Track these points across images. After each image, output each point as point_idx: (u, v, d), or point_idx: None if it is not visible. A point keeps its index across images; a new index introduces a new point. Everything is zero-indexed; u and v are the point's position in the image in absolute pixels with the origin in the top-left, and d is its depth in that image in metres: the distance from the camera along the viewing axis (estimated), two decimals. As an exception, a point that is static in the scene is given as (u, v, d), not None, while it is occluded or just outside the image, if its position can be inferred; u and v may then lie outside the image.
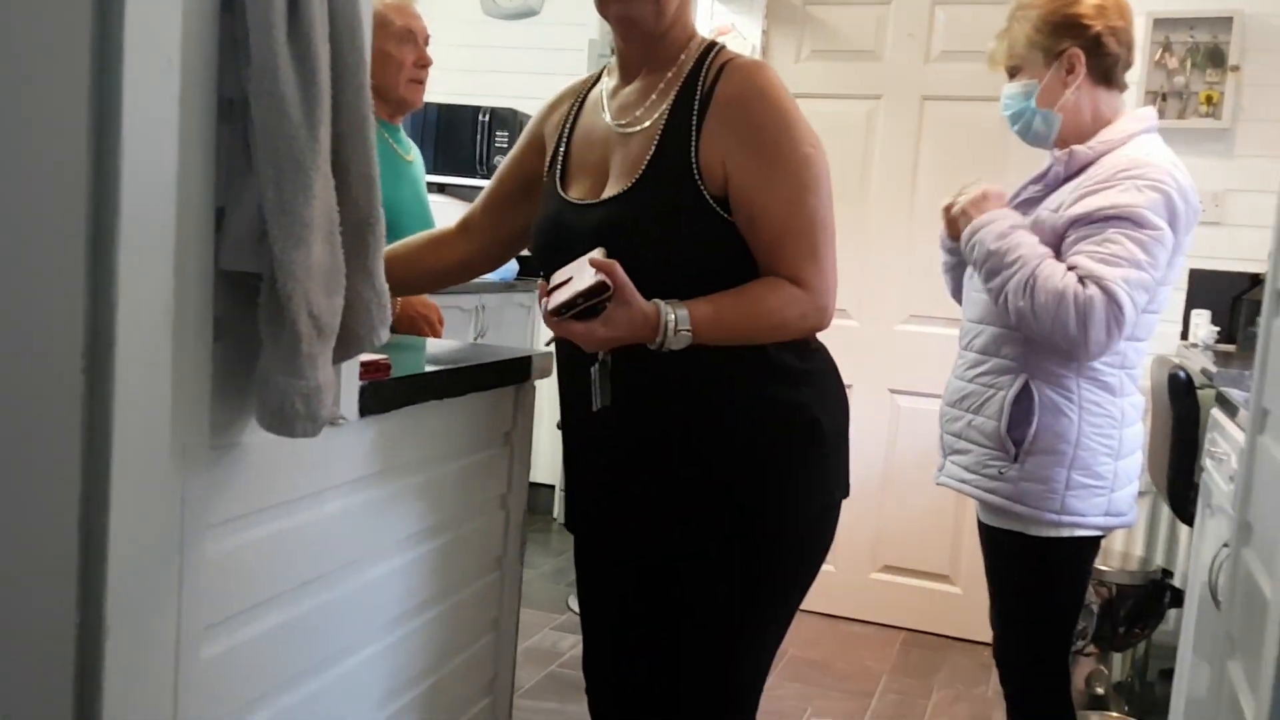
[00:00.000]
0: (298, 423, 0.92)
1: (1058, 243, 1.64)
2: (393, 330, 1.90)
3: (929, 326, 3.20)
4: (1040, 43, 1.70)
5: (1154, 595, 2.62)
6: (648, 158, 1.27)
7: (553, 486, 4.17)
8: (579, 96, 1.44)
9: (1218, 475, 1.96)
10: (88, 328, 0.79)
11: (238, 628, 1.03)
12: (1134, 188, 1.58)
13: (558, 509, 4.20)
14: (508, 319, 3.94)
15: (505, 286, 3.92)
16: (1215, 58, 3.09)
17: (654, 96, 1.32)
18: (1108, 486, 1.69)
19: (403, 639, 1.35)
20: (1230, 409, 1.92)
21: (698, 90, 1.28)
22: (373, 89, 1.98)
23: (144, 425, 0.83)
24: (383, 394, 1.19)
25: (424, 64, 1.99)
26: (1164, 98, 3.14)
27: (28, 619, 0.82)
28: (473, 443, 1.49)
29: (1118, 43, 1.69)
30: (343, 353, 0.99)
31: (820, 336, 1.39)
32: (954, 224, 1.75)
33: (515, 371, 1.54)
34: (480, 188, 4.55)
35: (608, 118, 1.35)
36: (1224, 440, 1.95)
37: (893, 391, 3.31)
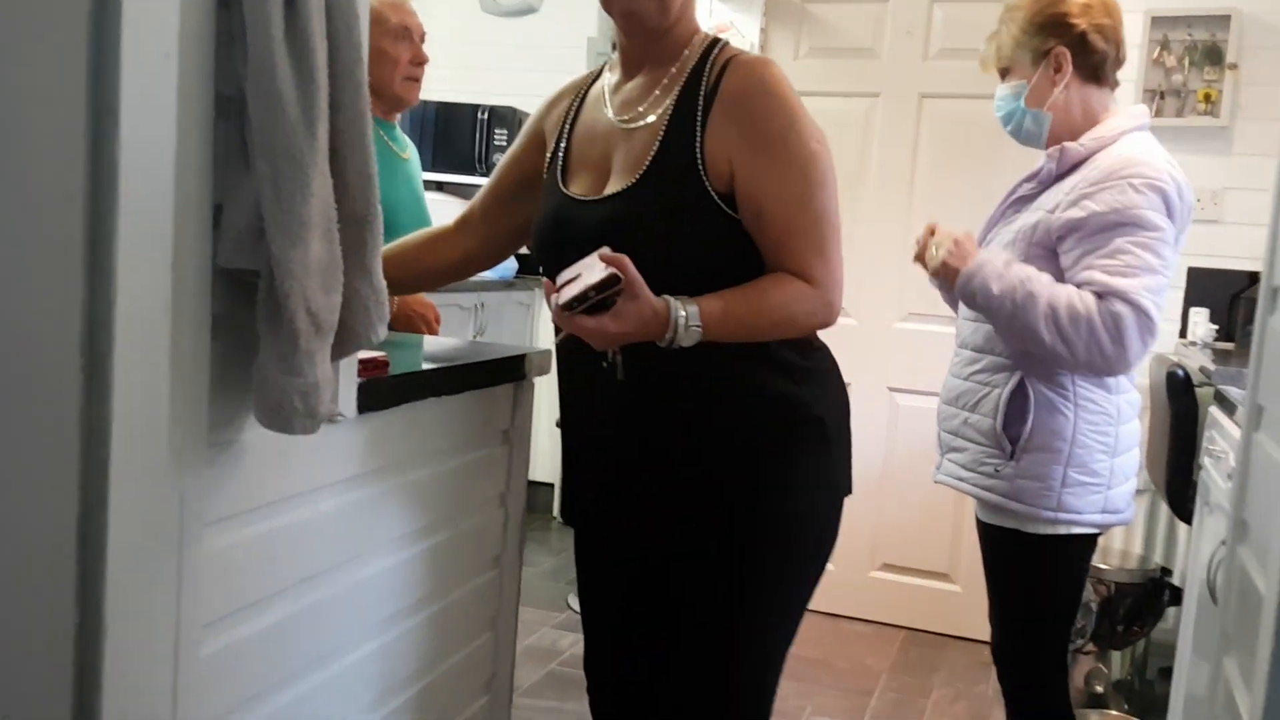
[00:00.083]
0: (296, 420, 0.92)
1: (1053, 244, 1.64)
2: (390, 328, 1.92)
3: (927, 324, 3.20)
4: (1027, 43, 1.71)
5: (1153, 593, 2.62)
6: (652, 153, 1.27)
7: (552, 485, 4.17)
8: (580, 92, 1.43)
9: (1216, 473, 1.96)
10: (86, 325, 0.79)
11: (236, 625, 1.03)
12: (1131, 188, 1.58)
13: (557, 507, 4.20)
14: (507, 317, 3.94)
15: (504, 285, 3.92)
16: (1213, 56, 3.09)
17: (657, 92, 1.31)
18: (1104, 484, 1.69)
19: (401, 636, 1.35)
20: (1228, 407, 1.92)
21: (702, 86, 1.28)
22: (368, 86, 2.00)
23: (142, 423, 0.83)
24: (381, 391, 1.19)
25: (420, 61, 1.99)
26: (1162, 96, 3.14)
27: (27, 617, 0.82)
28: (471, 440, 1.49)
29: (1104, 40, 1.69)
30: (341, 350, 0.99)
31: (819, 334, 1.39)
32: (938, 272, 1.72)
33: (513, 369, 1.54)
34: (479, 186, 4.54)
35: (610, 113, 1.34)
36: (1222, 438, 1.96)
37: (891, 390, 3.31)
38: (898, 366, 3.27)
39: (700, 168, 1.24)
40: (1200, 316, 2.95)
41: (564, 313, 1.16)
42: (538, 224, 1.39)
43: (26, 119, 0.78)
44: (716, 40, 1.34)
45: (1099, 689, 2.70)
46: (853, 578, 3.28)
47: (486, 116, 3.92)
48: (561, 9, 4.09)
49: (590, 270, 1.15)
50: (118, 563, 0.81)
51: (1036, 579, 1.76)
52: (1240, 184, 3.07)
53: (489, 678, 1.64)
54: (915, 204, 3.27)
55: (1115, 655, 2.79)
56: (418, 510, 1.35)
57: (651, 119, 1.29)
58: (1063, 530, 1.70)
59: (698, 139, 1.25)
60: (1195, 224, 3.06)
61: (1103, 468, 1.69)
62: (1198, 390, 2.26)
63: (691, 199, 1.24)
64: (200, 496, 0.93)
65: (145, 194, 0.81)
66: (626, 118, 1.32)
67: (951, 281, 1.67)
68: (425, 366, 1.37)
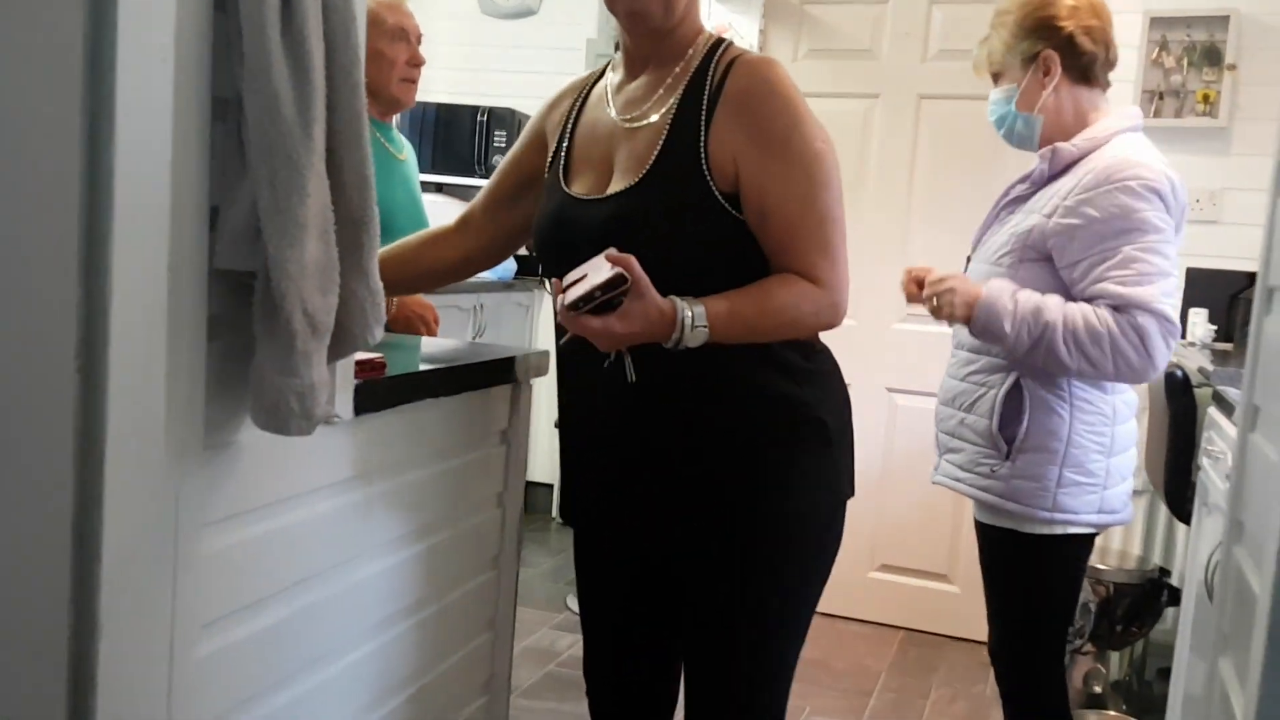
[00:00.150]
0: (292, 421, 0.92)
1: (1047, 250, 1.64)
2: (388, 329, 1.92)
3: (926, 325, 3.19)
4: (1016, 47, 1.72)
5: (1151, 594, 2.62)
6: (655, 153, 1.26)
7: (551, 485, 4.17)
8: (582, 92, 1.42)
9: (1214, 474, 1.96)
10: (81, 327, 0.79)
11: (233, 626, 1.03)
12: (1129, 192, 1.59)
13: (556, 508, 4.20)
14: (506, 318, 3.94)
15: (504, 285, 3.92)
16: (1212, 57, 3.09)
17: (661, 91, 1.30)
18: (1100, 484, 1.69)
19: (398, 637, 1.35)
20: (1227, 407, 1.93)
21: (706, 86, 1.27)
22: (365, 87, 2.00)
23: (138, 424, 0.83)
24: (378, 392, 1.19)
25: (417, 63, 1.99)
26: (1161, 96, 3.14)
27: (22, 618, 0.82)
28: (468, 441, 1.49)
29: (1093, 41, 1.70)
30: (337, 351, 0.99)
31: (821, 336, 1.38)
32: (938, 311, 1.70)
33: (510, 370, 1.54)
34: (478, 187, 4.54)
35: (613, 113, 1.34)
36: (1220, 439, 1.96)
37: (890, 390, 3.31)
38: (896, 367, 3.27)
39: (704, 167, 1.24)
40: (1199, 317, 2.95)
41: (570, 313, 1.15)
42: (539, 223, 1.38)
43: (22, 121, 0.78)
44: (721, 40, 1.34)
45: (1097, 689, 2.70)
46: (851, 578, 3.28)
47: (485, 118, 3.92)
48: (560, 11, 4.10)
49: (597, 270, 1.15)
50: (112, 563, 0.81)
51: (1033, 579, 1.77)
52: (1239, 184, 3.07)
53: (487, 678, 1.64)
54: (914, 205, 3.27)
55: (1114, 655, 2.79)
56: (415, 511, 1.36)
57: (655, 118, 1.29)
58: (1059, 530, 1.70)
59: (702, 138, 1.25)
60: (1194, 224, 3.08)
61: (1098, 468, 1.69)
62: (1196, 391, 2.26)
63: (695, 198, 1.24)
64: (197, 498, 0.93)
65: (140, 196, 0.81)
66: (629, 117, 1.32)
67: (965, 324, 1.67)
68: (423, 368, 1.37)
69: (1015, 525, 1.72)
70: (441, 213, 4.29)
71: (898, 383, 3.28)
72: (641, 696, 1.47)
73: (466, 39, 4.25)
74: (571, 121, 1.40)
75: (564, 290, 1.16)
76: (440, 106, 4.00)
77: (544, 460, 4.20)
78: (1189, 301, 3.00)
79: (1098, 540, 2.87)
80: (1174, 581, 2.64)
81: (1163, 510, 2.81)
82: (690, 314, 1.18)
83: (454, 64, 4.27)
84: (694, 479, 1.29)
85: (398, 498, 1.31)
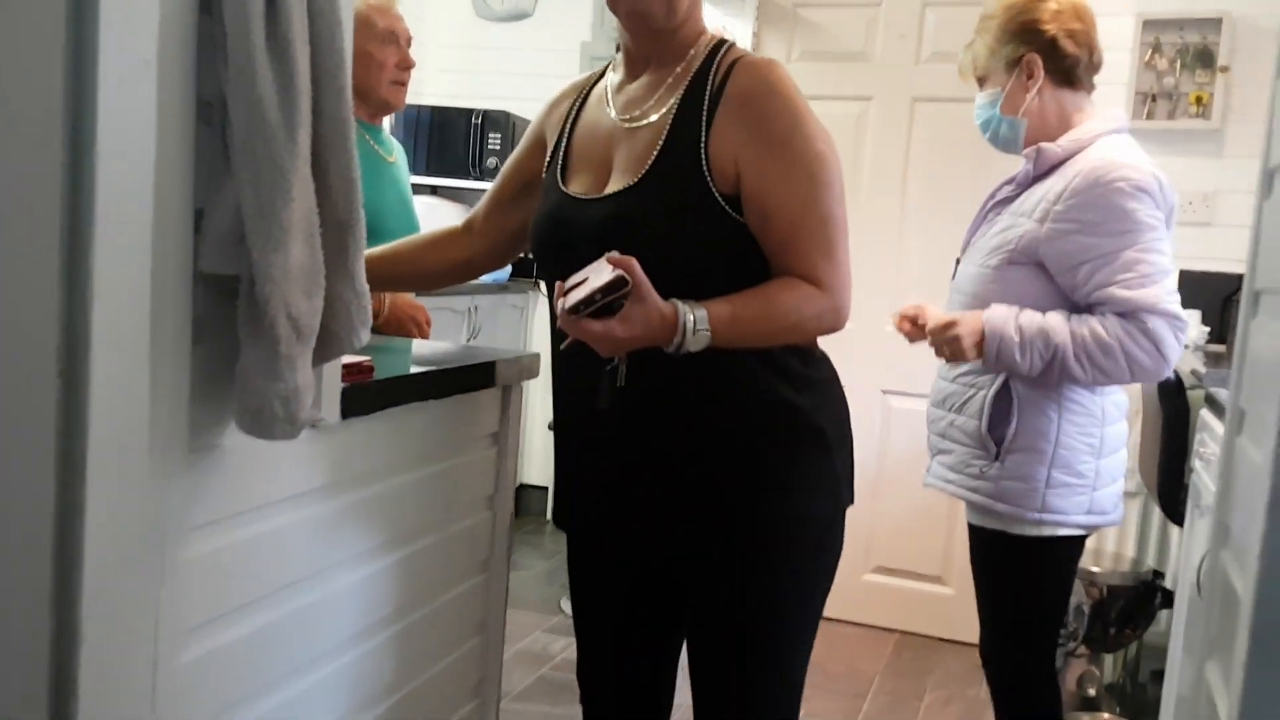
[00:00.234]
0: (276, 425, 0.92)
1: (1038, 256, 1.64)
2: (379, 332, 1.92)
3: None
4: (1000, 52, 1.73)
5: (1145, 596, 2.62)
6: (655, 153, 1.25)
7: (545, 488, 4.17)
8: (582, 93, 1.41)
9: (1207, 476, 1.96)
10: (63, 331, 0.78)
11: (218, 631, 1.02)
12: (1120, 194, 1.59)
13: (551, 511, 4.20)
14: (501, 320, 3.94)
15: (498, 288, 3.92)
16: (1205, 59, 3.09)
17: (661, 91, 1.29)
18: (1089, 485, 1.70)
19: (387, 641, 1.34)
20: (1219, 410, 1.93)
21: (708, 86, 1.26)
22: (355, 90, 1.99)
23: (121, 429, 0.82)
24: (365, 396, 1.19)
25: (406, 66, 1.99)
26: (1154, 99, 3.14)
27: (2, 624, 0.81)
28: (458, 444, 1.49)
29: (1075, 45, 1.70)
30: (323, 354, 0.99)
31: (819, 342, 1.37)
32: (950, 358, 1.71)
33: (501, 372, 1.54)
34: (472, 189, 4.54)
35: (613, 113, 1.33)
36: (1213, 441, 1.96)
37: (885, 392, 3.31)
38: (891, 369, 3.27)
39: (704, 168, 1.23)
40: (1192, 319, 2.95)
41: (570, 317, 1.13)
42: (536, 223, 1.37)
43: (1, 124, 0.78)
44: (723, 41, 1.33)
45: (1091, 692, 2.70)
46: (845, 580, 3.26)
47: (480, 121, 3.92)
48: (555, 13, 4.10)
49: (598, 273, 1.13)
50: (95, 569, 0.81)
51: (1024, 581, 1.77)
52: (1232, 186, 3.08)
53: (477, 682, 1.63)
54: (908, 207, 3.27)
55: (1107, 658, 2.79)
56: (404, 515, 1.35)
57: (655, 118, 1.28)
58: (1048, 532, 1.70)
59: (702, 139, 1.23)
60: (1187, 226, 3.09)
61: (1088, 469, 1.69)
62: (1189, 393, 2.26)
63: (694, 199, 1.22)
64: (181, 502, 0.93)
65: (123, 200, 0.81)
66: (629, 117, 1.31)
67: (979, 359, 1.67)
68: (412, 371, 1.37)
69: (1005, 526, 1.73)
70: (436, 215, 4.29)
71: (892, 385, 3.28)
72: (640, 699, 1.46)
73: (461, 42, 4.25)
74: (570, 122, 1.39)
75: (565, 294, 1.15)
76: (435, 109, 4.00)
77: (538, 462, 4.20)
78: (1182, 303, 3.00)
79: (1091, 543, 2.88)
80: (1167, 584, 2.64)
81: (1156, 512, 2.81)
82: (692, 318, 1.17)
83: (449, 67, 4.27)
84: (694, 480, 1.28)
85: (386, 501, 1.30)
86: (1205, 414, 2.12)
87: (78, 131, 0.78)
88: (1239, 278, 2.96)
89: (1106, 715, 2.63)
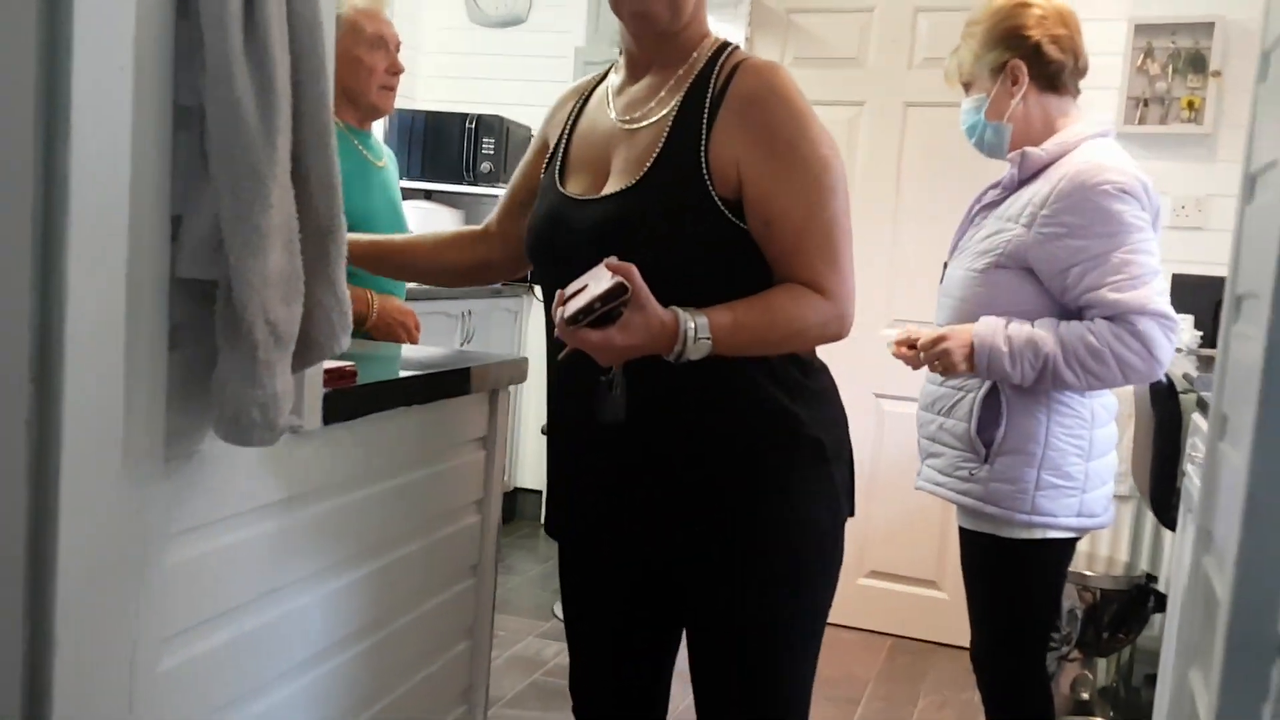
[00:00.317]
0: (255, 431, 0.91)
1: (1026, 261, 1.64)
2: (369, 336, 1.92)
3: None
4: (985, 57, 1.74)
5: (1138, 600, 2.62)
6: (654, 155, 1.23)
7: (540, 492, 4.16)
8: (584, 95, 1.39)
9: (1199, 480, 1.96)
10: (35, 338, 0.78)
11: (199, 638, 1.02)
12: (1105, 196, 1.59)
13: (544, 519, 4.19)
14: (495, 324, 3.94)
15: (492, 291, 3.92)
16: (1197, 63, 3.10)
17: (663, 93, 1.27)
18: (1079, 487, 1.70)
19: (373, 648, 1.34)
20: (1209, 414, 1.92)
21: (709, 89, 1.24)
22: (344, 95, 2.00)
23: (95, 436, 0.82)
24: (348, 401, 1.18)
25: (395, 71, 1.99)
26: (1146, 103, 3.15)
27: (-23, 631, 0.81)
28: (445, 449, 1.48)
29: (1060, 50, 1.71)
30: (302, 360, 0.98)
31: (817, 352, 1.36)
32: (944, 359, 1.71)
33: (489, 377, 1.54)
34: (466, 194, 4.53)
35: (613, 114, 1.31)
36: (1205, 445, 1.96)
37: (878, 396, 3.31)
38: (883, 372, 3.26)
39: (704, 171, 1.20)
40: (1185, 323, 2.95)
41: (569, 326, 1.11)
42: (532, 223, 1.35)
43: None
44: (726, 44, 1.30)
45: (1085, 696, 2.69)
46: (839, 585, 3.26)
47: (474, 126, 3.92)
48: (549, 19, 4.10)
49: (596, 281, 1.11)
50: (68, 577, 0.80)
51: (1014, 584, 1.77)
52: (1224, 191, 3.08)
53: (465, 688, 1.63)
54: (901, 211, 3.27)
55: (1101, 662, 2.79)
56: (389, 520, 1.35)
57: (655, 120, 1.26)
58: (1038, 534, 1.70)
59: (702, 141, 1.21)
60: (1180, 231, 3.09)
61: (1077, 471, 1.69)
62: (1182, 397, 2.26)
63: (693, 202, 1.20)
64: (159, 509, 0.92)
65: (98, 205, 0.80)
66: (629, 118, 1.29)
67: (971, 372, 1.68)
68: (398, 375, 1.36)
69: (995, 530, 1.73)
70: (431, 220, 4.27)
71: (886, 388, 3.28)
72: (636, 707, 1.44)
73: (455, 47, 4.25)
74: (570, 123, 1.37)
75: (563, 303, 1.13)
76: (429, 114, 4.00)
77: (532, 467, 4.20)
78: (1174, 307, 3.00)
79: (1084, 546, 2.88)
80: (1160, 587, 2.64)
81: (1149, 516, 2.81)
82: (693, 325, 1.14)
83: (443, 72, 4.27)
84: (694, 484, 1.26)
85: (372, 506, 1.30)
86: (1197, 418, 2.12)
87: (51, 138, 0.78)
88: (1231, 282, 2.97)
89: (1100, 720, 2.62)
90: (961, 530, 1.82)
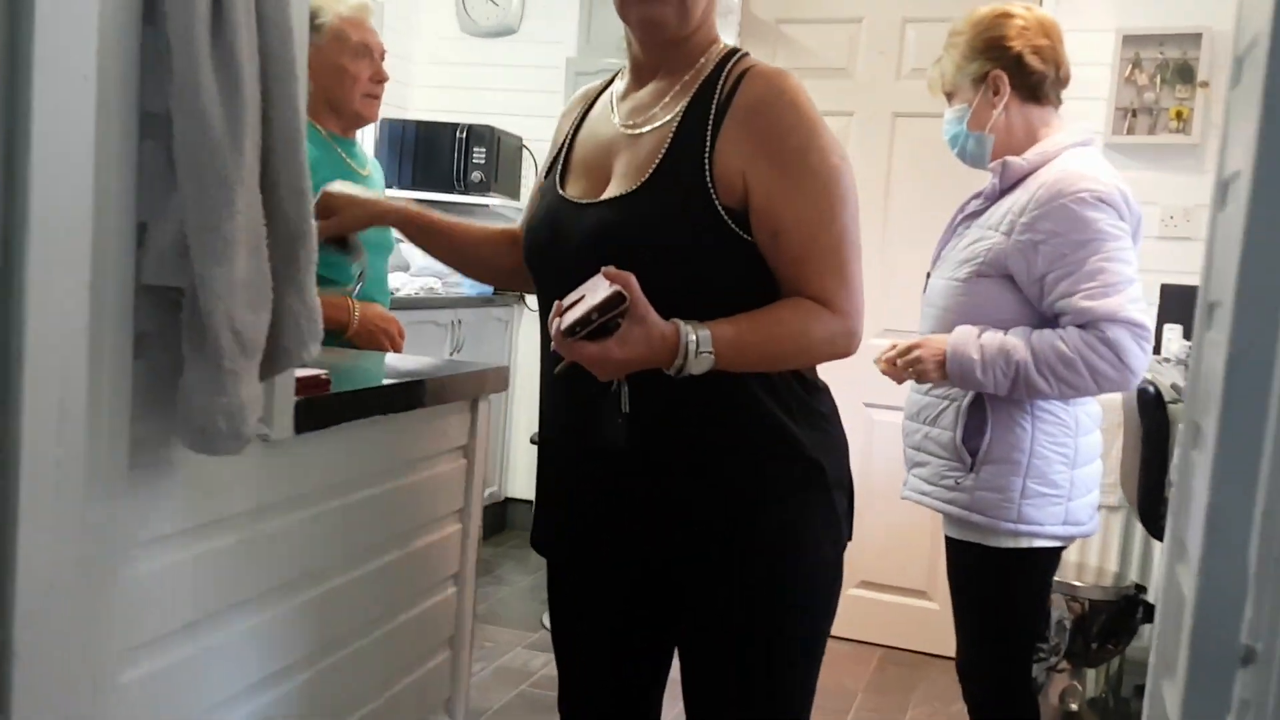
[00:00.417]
0: (220, 440, 0.90)
1: (1006, 269, 1.65)
2: (351, 345, 1.91)
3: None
4: (967, 68, 1.75)
5: (1127, 610, 2.61)
6: (657, 161, 1.19)
7: (530, 502, 4.15)
8: (590, 100, 1.36)
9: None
10: (-6, 344, 0.77)
11: (164, 651, 1.01)
12: (1083, 204, 1.59)
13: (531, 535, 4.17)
14: (486, 333, 3.93)
15: (483, 300, 3.91)
16: (1185, 74, 3.11)
17: (667, 99, 1.24)
18: (1064, 495, 1.69)
19: (349, 658, 1.33)
20: (1193, 423, 1.92)
21: (716, 95, 1.20)
22: (329, 103, 2.00)
23: (55, 445, 0.81)
24: (321, 410, 1.17)
25: (380, 79, 1.99)
26: (1134, 114, 3.15)
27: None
28: (425, 458, 1.47)
29: (1042, 61, 1.71)
30: (271, 368, 0.98)
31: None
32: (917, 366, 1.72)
33: (468, 386, 1.53)
34: (457, 203, 4.53)
35: (616, 120, 1.27)
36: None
37: (867, 405, 3.30)
38: (873, 382, 3.25)
39: (708, 179, 1.16)
40: (1174, 333, 2.95)
41: (566, 339, 1.07)
42: (529, 225, 1.31)
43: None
44: (735, 50, 1.26)
45: (1074, 707, 2.68)
46: (830, 596, 3.26)
47: (465, 135, 3.92)
48: (540, 29, 4.10)
49: (594, 291, 1.07)
50: (28, 586, 0.79)
51: (1001, 593, 1.76)
52: (1212, 201, 3.08)
53: (446, 699, 1.62)
54: (890, 221, 3.27)
55: (1090, 673, 2.78)
56: (368, 529, 1.34)
57: (658, 125, 1.22)
58: (1025, 543, 1.70)
59: (707, 148, 1.17)
60: (1169, 241, 3.09)
61: (1062, 479, 1.69)
62: (1170, 407, 2.25)
63: (695, 211, 1.16)
64: (124, 518, 0.91)
65: (60, 213, 0.80)
66: (632, 123, 1.25)
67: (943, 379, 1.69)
68: (373, 383, 1.36)
69: (981, 539, 1.72)
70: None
71: (875, 398, 3.27)
72: (641, 701, 1.39)
73: (446, 56, 4.26)
74: (574, 127, 1.34)
75: (560, 314, 1.09)
76: (420, 124, 4.00)
77: (523, 477, 4.18)
78: (1164, 317, 3.00)
79: (1074, 557, 2.88)
80: (1150, 598, 2.63)
81: (1139, 527, 2.80)
82: (694, 338, 1.10)
83: (434, 81, 4.27)
84: (692, 501, 1.23)
85: (349, 516, 1.29)
86: (1184, 428, 2.12)
87: (11, 147, 0.77)
88: (1220, 291, 2.96)
89: (1089, 731, 2.61)
90: (948, 540, 1.81)
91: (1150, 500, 2.29)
